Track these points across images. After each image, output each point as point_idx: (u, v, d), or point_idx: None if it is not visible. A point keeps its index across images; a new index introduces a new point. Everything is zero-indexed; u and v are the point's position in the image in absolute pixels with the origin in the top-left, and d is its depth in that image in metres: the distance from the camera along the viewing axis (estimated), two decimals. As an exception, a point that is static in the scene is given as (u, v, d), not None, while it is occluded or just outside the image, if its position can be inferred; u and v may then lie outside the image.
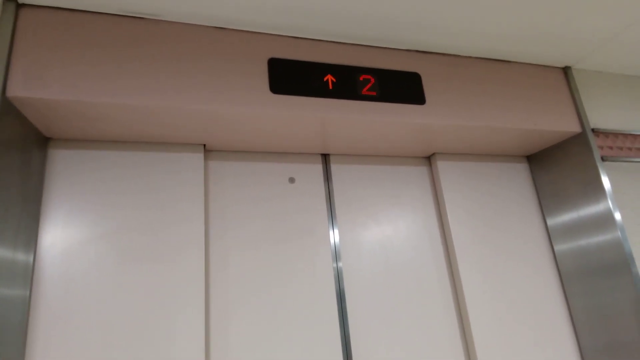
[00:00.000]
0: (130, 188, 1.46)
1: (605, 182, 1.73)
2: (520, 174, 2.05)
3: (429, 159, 1.98)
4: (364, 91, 1.53)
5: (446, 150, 1.90)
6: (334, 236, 1.70)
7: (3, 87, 1.15)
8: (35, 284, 1.29)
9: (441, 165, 1.90)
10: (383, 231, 1.78)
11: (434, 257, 1.81)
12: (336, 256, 1.68)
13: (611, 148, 1.86)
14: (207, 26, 1.43)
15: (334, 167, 1.80)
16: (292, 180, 1.72)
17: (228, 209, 1.61)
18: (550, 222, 1.96)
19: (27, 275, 1.27)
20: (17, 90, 1.17)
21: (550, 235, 1.96)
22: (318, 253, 1.65)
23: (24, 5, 1.25)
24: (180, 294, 1.40)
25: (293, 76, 1.46)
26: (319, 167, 1.79)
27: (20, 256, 1.24)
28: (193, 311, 1.39)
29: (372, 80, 1.56)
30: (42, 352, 1.24)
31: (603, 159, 1.78)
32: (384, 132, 1.63)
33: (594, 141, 1.79)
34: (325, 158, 1.82)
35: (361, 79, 1.54)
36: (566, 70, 1.92)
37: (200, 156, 1.57)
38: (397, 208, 1.84)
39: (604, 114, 1.92)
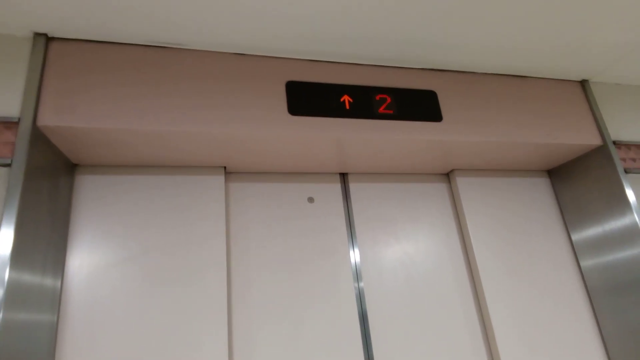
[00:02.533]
0: (153, 211, 1.49)
1: (630, 194, 1.69)
2: (541, 188, 2.02)
3: (448, 176, 1.97)
4: (381, 110, 1.54)
5: (465, 166, 1.89)
6: (355, 256, 1.69)
7: (34, 116, 1.20)
8: (62, 309, 1.32)
9: (460, 182, 1.89)
10: (404, 249, 1.76)
11: (456, 275, 1.78)
12: (357, 276, 1.66)
13: (634, 160, 1.83)
14: (227, 53, 1.47)
15: (353, 186, 1.81)
16: (311, 200, 1.73)
17: (249, 230, 1.62)
18: (575, 237, 1.91)
19: (55, 300, 1.30)
20: (47, 119, 1.21)
21: (575, 251, 1.91)
22: (339, 273, 1.64)
23: (53, 38, 1.32)
24: (204, 315, 1.41)
25: (310, 98, 1.49)
26: (337, 187, 1.79)
27: (49, 281, 1.26)
28: (216, 332, 1.39)
29: (389, 99, 1.57)
30: (68, 377, 1.26)
31: (626, 171, 1.75)
32: (402, 149, 1.64)
33: (616, 153, 1.77)
34: (344, 177, 1.83)
35: (378, 98, 1.56)
36: (584, 84, 1.91)
37: (221, 178, 1.60)
38: (417, 226, 1.82)
39: (624, 126, 1.89)
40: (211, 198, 1.56)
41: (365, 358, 1.55)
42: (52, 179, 1.32)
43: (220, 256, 1.49)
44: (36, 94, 1.22)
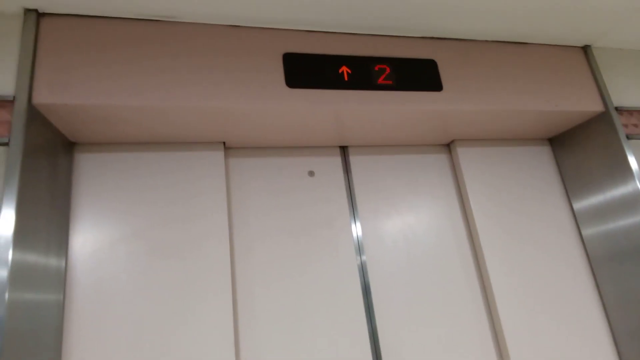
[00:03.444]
0: (154, 187, 1.49)
1: (632, 161, 1.68)
2: (543, 157, 2.01)
3: (448, 146, 1.96)
4: (380, 81, 1.52)
5: (466, 136, 1.88)
6: (356, 228, 1.70)
7: (29, 94, 1.19)
8: (68, 287, 1.33)
9: (461, 152, 1.88)
10: (405, 221, 1.77)
11: (458, 246, 1.79)
12: (359, 249, 1.67)
13: (636, 126, 1.81)
14: (222, 25, 1.45)
15: (353, 159, 1.80)
16: (311, 173, 1.72)
17: (250, 205, 1.62)
18: (577, 205, 1.91)
19: (60, 279, 1.31)
20: (42, 97, 1.20)
21: (577, 219, 1.92)
22: (341, 246, 1.65)
23: (44, 14, 1.29)
24: (208, 287, 1.42)
25: (308, 69, 1.47)
26: (338, 160, 1.79)
27: (53, 260, 1.27)
28: (221, 304, 1.41)
29: (388, 69, 1.55)
30: (77, 354, 1.28)
31: (628, 137, 1.74)
32: (402, 121, 1.62)
33: (618, 119, 1.75)
34: (344, 150, 1.82)
35: (376, 68, 1.54)
36: (586, 49, 1.88)
37: (220, 154, 1.59)
38: (418, 197, 1.83)
39: (626, 92, 1.87)
40: (211, 173, 1.56)
41: (368, 329, 1.57)
42: (51, 158, 1.31)
43: (222, 230, 1.50)
44: (30, 72, 1.21)
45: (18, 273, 1.08)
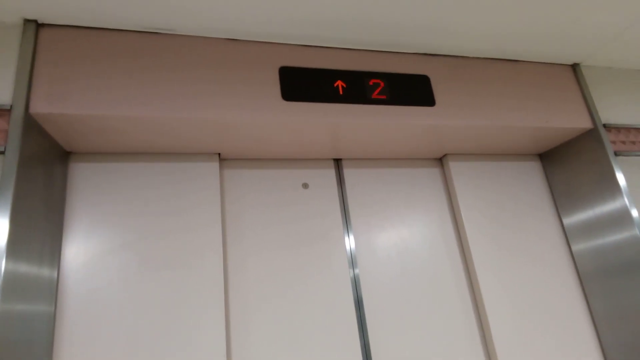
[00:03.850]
0: (148, 198, 1.50)
1: (620, 177, 1.72)
2: (533, 172, 2.04)
3: (441, 161, 1.99)
4: (374, 95, 1.55)
5: (458, 151, 1.91)
6: (349, 241, 1.71)
7: (26, 104, 1.20)
8: (60, 299, 1.32)
9: (453, 166, 1.91)
10: (398, 234, 1.78)
11: (450, 259, 1.81)
12: (352, 261, 1.68)
13: (624, 143, 1.85)
14: (220, 38, 1.47)
15: (347, 172, 1.82)
16: (305, 185, 1.74)
17: (244, 216, 1.63)
18: (566, 221, 1.94)
19: (52, 290, 1.30)
20: (39, 106, 1.21)
21: (567, 235, 1.94)
22: (334, 259, 1.66)
23: (43, 25, 1.30)
24: (201, 299, 1.42)
25: (304, 83, 1.49)
26: (332, 172, 1.80)
27: (45, 271, 1.27)
28: (214, 315, 1.41)
29: (382, 84, 1.58)
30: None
31: (616, 153, 1.77)
32: (395, 134, 1.65)
33: (606, 136, 1.79)
34: (338, 163, 1.84)
35: (371, 83, 1.57)
36: (575, 67, 1.92)
37: (215, 165, 1.60)
38: (411, 210, 1.84)
39: (615, 109, 1.91)
40: (206, 185, 1.57)
41: (361, 343, 1.57)
42: (46, 167, 1.31)
43: (216, 241, 1.50)
44: (28, 81, 1.22)
45: (10, 283, 1.08)
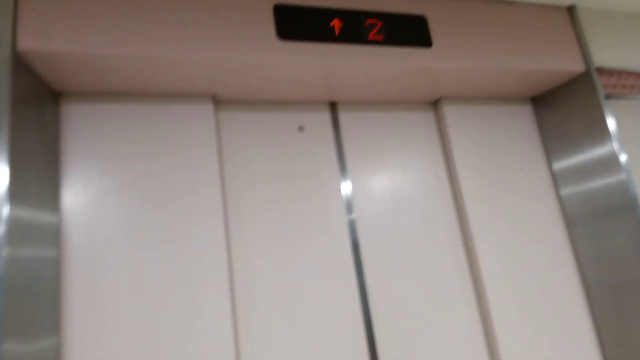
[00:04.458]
0: (144, 140, 1.48)
1: (610, 122, 1.75)
2: (525, 116, 2.06)
3: (435, 104, 1.99)
4: (371, 36, 1.52)
5: (452, 94, 1.91)
6: (345, 184, 1.74)
7: (13, 40, 1.15)
8: (63, 242, 1.33)
9: (447, 110, 1.92)
10: (393, 178, 1.81)
11: (444, 201, 1.85)
12: (348, 206, 1.72)
13: (615, 87, 1.87)
14: (211, -28, 1.41)
15: (342, 115, 1.81)
16: (301, 128, 1.74)
17: (240, 159, 1.63)
18: (556, 165, 1.98)
19: (55, 234, 1.31)
20: (26, 43, 1.16)
21: (555, 179, 1.99)
22: (330, 203, 1.69)
23: (24, -45, 1.23)
24: (201, 230, 1.45)
25: (299, 22, 1.45)
26: (327, 115, 1.80)
27: (47, 216, 1.27)
28: (215, 244, 1.45)
29: (379, 24, 1.54)
30: (76, 306, 1.30)
31: (607, 97, 1.80)
32: (391, 76, 1.64)
33: (598, 80, 1.80)
34: (333, 106, 1.83)
35: (367, 23, 1.53)
36: (571, 10, 1.90)
37: (209, 107, 1.58)
38: (405, 154, 1.87)
39: (608, 53, 1.92)
40: (201, 126, 1.55)
41: (358, 285, 1.63)
42: (38, 108, 1.28)
43: (213, 178, 1.51)
44: (12, 16, 1.16)
45: (15, 229, 1.08)
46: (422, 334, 1.66)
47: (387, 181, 1.81)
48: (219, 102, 1.67)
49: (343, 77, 1.59)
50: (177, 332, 1.36)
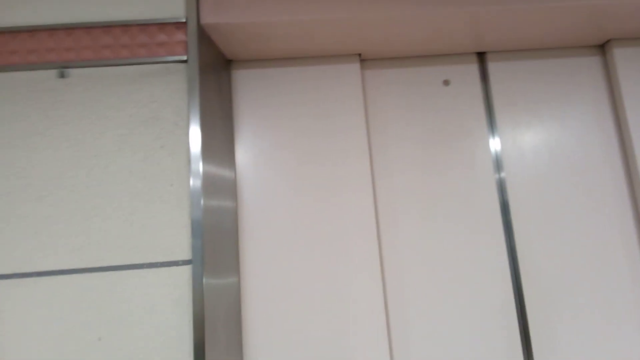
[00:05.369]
0: (299, 100, 1.62)
1: None
2: None
3: (602, 47, 1.75)
4: (527, -27, 1.40)
5: (625, 34, 1.66)
6: (494, 142, 1.66)
7: (197, 16, 1.35)
8: (239, 195, 1.56)
9: (618, 53, 1.67)
10: (550, 133, 1.67)
11: (610, 161, 1.65)
12: (497, 164, 1.64)
13: None
14: None
15: (492, 66, 1.72)
16: (447, 82, 1.70)
17: (386, 117, 1.67)
18: None
19: (233, 188, 1.54)
20: (208, 17, 1.36)
21: None
22: (477, 161, 1.64)
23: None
24: (351, 184, 1.56)
25: (446, -31, 1.41)
26: (474, 67, 1.72)
27: (226, 172, 1.49)
28: (363, 197, 1.55)
29: (536, -41, 1.41)
30: (251, 243, 1.53)
31: None
32: (549, 18, 1.49)
33: None
34: (482, 57, 1.74)
35: (523, -40, 1.41)
36: None
37: (356, 66, 1.64)
38: (564, 106, 1.69)
39: None
40: (349, 85, 1.63)
41: (507, 248, 1.57)
42: (216, 75, 1.49)
43: (361, 138, 1.59)
44: (196, -5, 1.36)
45: (207, 183, 1.30)
46: (577, 301, 1.54)
47: (542, 136, 1.67)
48: (364, 60, 1.73)
49: (492, 24, 1.50)
50: (330, 266, 1.51)
